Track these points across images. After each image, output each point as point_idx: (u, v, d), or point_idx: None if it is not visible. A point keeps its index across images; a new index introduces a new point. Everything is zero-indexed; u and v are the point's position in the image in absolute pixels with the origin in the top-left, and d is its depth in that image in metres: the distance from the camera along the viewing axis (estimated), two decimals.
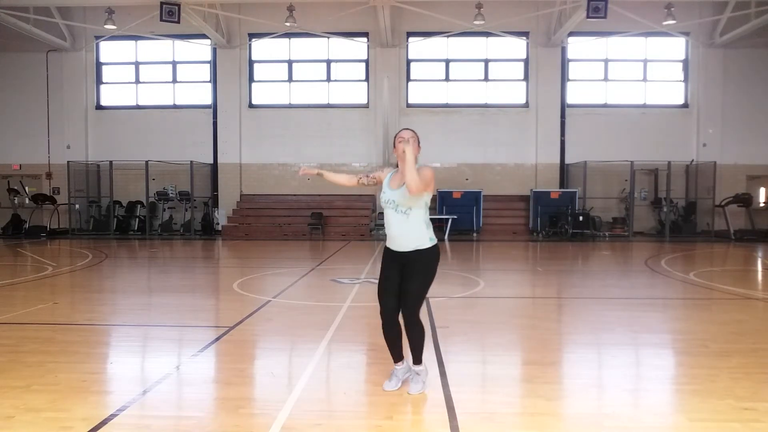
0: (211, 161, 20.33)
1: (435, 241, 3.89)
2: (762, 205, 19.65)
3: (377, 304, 3.96)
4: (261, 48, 20.30)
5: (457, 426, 3.41)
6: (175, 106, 20.54)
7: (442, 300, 7.52)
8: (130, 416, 3.56)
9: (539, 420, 3.54)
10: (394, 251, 3.90)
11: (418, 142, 3.88)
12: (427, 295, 7.69)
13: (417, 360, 3.94)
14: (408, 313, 3.83)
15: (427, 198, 3.84)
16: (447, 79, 20.19)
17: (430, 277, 3.87)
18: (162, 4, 15.60)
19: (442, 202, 18.92)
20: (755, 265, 12.39)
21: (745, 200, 18.40)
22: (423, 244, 3.83)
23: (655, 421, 3.52)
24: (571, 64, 19.93)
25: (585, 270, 11.61)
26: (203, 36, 19.05)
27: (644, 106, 19.85)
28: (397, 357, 4.02)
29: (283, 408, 3.68)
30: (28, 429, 3.37)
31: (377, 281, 4.02)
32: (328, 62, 20.23)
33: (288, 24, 17.27)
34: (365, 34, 19.74)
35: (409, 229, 3.82)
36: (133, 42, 20.40)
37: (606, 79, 19.97)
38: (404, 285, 3.83)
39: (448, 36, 19.41)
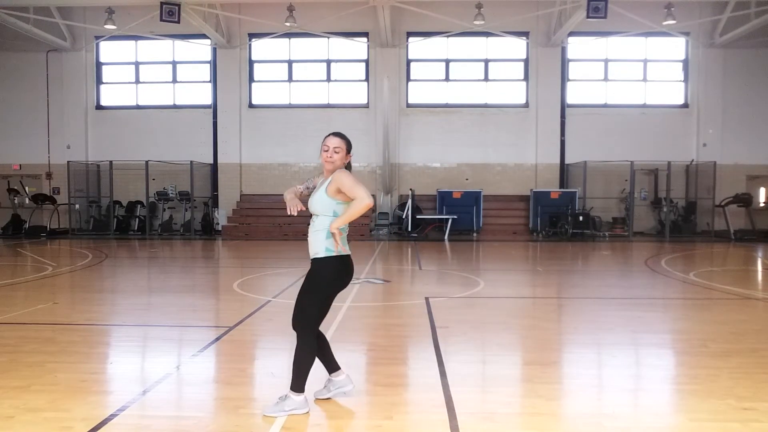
0: (211, 161, 20.33)
1: (333, 252, 3.51)
2: (762, 205, 19.65)
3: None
4: (261, 48, 20.30)
5: (457, 426, 3.41)
6: (175, 106, 20.53)
7: (442, 300, 7.52)
8: (130, 416, 3.56)
9: (539, 420, 3.54)
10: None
11: (349, 148, 3.63)
12: (428, 295, 7.77)
13: (292, 384, 3.60)
14: (295, 327, 3.61)
15: (338, 207, 3.53)
16: (447, 79, 20.19)
17: (320, 289, 3.54)
18: (162, 4, 15.60)
19: (442, 202, 18.93)
20: (755, 265, 12.39)
21: (745, 200, 18.40)
22: (318, 253, 3.54)
23: (655, 421, 3.52)
24: (571, 64, 19.93)
25: (585, 270, 11.61)
26: (203, 36, 19.05)
27: (644, 106, 19.85)
28: (329, 368, 3.84)
29: None
30: (28, 429, 3.37)
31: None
32: (328, 62, 20.23)
33: (288, 24, 17.27)
34: (365, 34, 19.74)
35: (312, 233, 3.61)
36: (133, 42, 20.39)
37: (606, 79, 19.97)
38: (299, 294, 3.62)
39: (448, 36, 19.40)
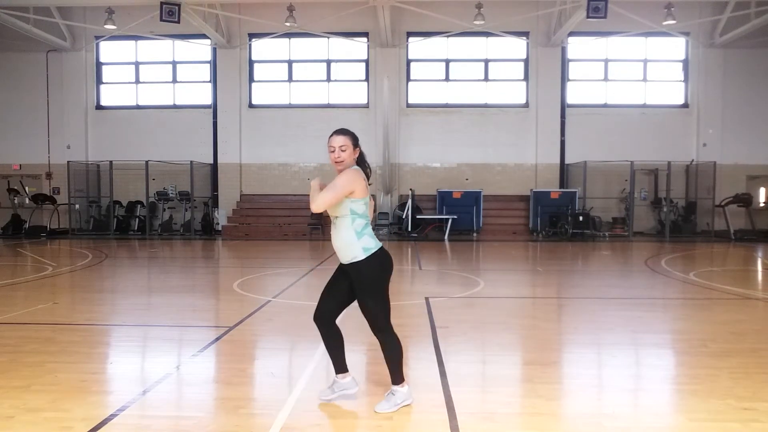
0: (211, 161, 20.33)
1: (371, 250, 3.51)
2: (762, 205, 19.64)
3: None
4: (261, 48, 20.30)
5: (457, 426, 3.41)
6: (175, 106, 20.53)
7: (442, 300, 7.53)
8: (130, 416, 3.56)
9: (539, 420, 3.54)
10: (340, 262, 3.67)
11: (356, 142, 3.58)
12: (428, 295, 7.76)
13: (393, 379, 3.68)
14: (375, 331, 3.64)
15: (354, 205, 3.50)
16: (447, 79, 20.19)
17: (376, 288, 3.54)
18: (162, 4, 15.59)
19: (442, 202, 18.93)
20: (755, 265, 12.39)
21: (745, 200, 18.40)
22: (357, 257, 3.51)
23: (655, 421, 3.52)
24: (571, 64, 19.93)
25: (585, 270, 11.61)
26: (203, 36, 19.05)
27: (644, 106, 19.85)
28: (336, 368, 3.79)
29: (283, 408, 3.68)
30: (28, 429, 3.37)
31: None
32: (328, 62, 20.23)
33: (288, 24, 17.27)
34: (365, 34, 19.74)
35: (338, 239, 3.56)
36: (133, 42, 20.39)
37: (606, 79, 19.97)
38: (359, 303, 3.60)
39: (448, 36, 19.40)
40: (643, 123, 19.62)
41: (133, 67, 20.68)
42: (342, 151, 3.54)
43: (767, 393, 3.96)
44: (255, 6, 18.65)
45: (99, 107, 20.72)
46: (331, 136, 3.60)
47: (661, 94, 19.96)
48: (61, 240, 17.71)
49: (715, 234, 18.24)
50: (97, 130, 20.56)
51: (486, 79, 20.09)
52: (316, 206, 3.42)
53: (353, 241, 3.51)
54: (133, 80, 20.70)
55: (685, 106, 19.83)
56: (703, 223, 18.85)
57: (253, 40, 19.99)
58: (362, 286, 3.54)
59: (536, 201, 18.76)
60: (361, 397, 3.92)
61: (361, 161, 3.66)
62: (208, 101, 20.40)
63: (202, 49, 20.22)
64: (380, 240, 3.68)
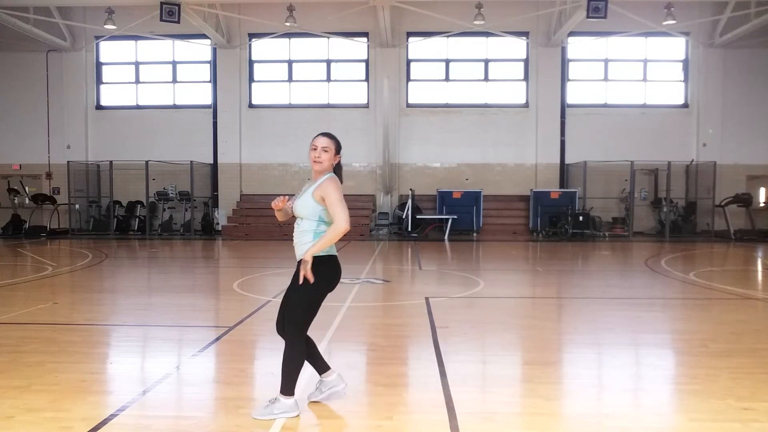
0: (211, 161, 20.34)
1: (323, 253, 3.46)
2: (762, 205, 19.65)
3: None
4: (261, 48, 20.30)
5: (457, 426, 3.41)
6: (175, 106, 20.54)
7: (442, 300, 7.52)
8: (130, 416, 3.56)
9: (539, 420, 3.53)
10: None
11: (338, 148, 3.57)
12: (428, 295, 7.76)
13: (281, 387, 3.52)
14: (285, 329, 3.53)
15: (324, 213, 3.48)
16: (447, 79, 20.19)
17: (308, 291, 3.43)
18: (162, 4, 15.60)
19: (442, 202, 18.93)
20: (755, 265, 12.39)
21: (745, 200, 18.40)
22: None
23: (655, 421, 3.52)
24: (571, 64, 19.93)
25: (585, 270, 11.61)
26: (203, 36, 19.05)
27: (644, 106, 19.86)
28: (319, 370, 3.74)
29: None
30: (28, 429, 3.37)
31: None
32: (328, 62, 20.23)
33: (288, 24, 17.28)
34: (365, 34, 19.74)
35: (298, 238, 3.55)
36: (133, 42, 20.40)
37: (606, 79, 19.97)
38: (287, 295, 3.56)
39: (448, 36, 19.40)
40: (643, 123, 19.62)
41: (133, 67, 20.69)
42: (324, 151, 3.53)
43: (767, 393, 3.96)
44: (255, 6, 18.66)
45: (99, 107, 20.73)
46: (316, 136, 3.60)
47: (661, 94, 19.97)
48: (61, 240, 17.70)
49: (715, 234, 18.24)
50: (97, 130, 20.56)
51: (486, 79, 20.09)
52: (346, 221, 3.37)
53: (310, 240, 3.48)
54: (133, 80, 20.70)
55: (685, 106, 19.83)
56: (703, 223, 18.85)
57: (253, 40, 19.99)
58: (298, 284, 3.46)
59: (536, 201, 18.76)
60: (361, 397, 3.92)
61: (338, 169, 3.65)
62: (208, 101, 20.40)
63: (202, 49, 20.22)
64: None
